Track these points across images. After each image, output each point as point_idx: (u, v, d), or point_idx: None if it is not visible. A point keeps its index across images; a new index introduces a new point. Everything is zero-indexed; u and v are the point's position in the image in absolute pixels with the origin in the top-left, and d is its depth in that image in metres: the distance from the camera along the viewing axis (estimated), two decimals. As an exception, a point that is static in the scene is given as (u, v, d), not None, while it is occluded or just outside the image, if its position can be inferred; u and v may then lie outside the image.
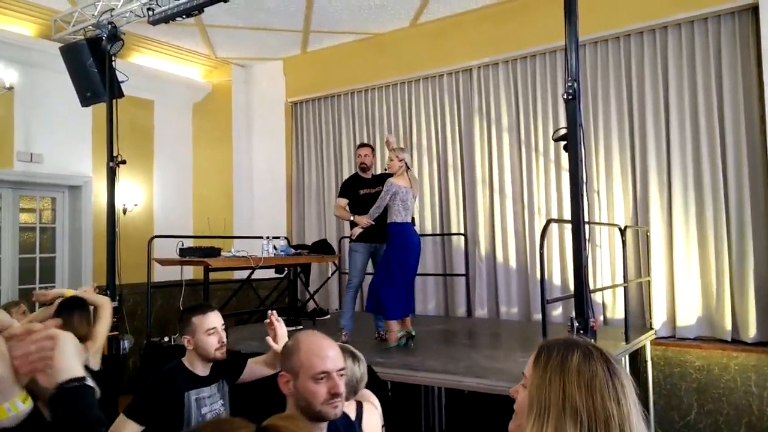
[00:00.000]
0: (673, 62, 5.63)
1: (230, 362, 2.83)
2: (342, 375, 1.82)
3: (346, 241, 7.45)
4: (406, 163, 4.95)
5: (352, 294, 5.28)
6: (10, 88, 5.95)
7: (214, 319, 2.66)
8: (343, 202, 5.38)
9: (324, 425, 1.83)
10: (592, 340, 1.34)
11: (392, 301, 4.74)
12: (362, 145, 5.69)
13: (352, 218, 5.16)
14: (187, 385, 2.61)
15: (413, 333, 4.92)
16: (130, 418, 2.43)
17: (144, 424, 2.43)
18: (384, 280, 4.81)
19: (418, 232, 5.37)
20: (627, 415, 1.12)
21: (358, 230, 5.05)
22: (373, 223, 4.99)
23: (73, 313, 3.24)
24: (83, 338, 3.27)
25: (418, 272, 5.20)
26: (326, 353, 1.80)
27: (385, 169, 5.08)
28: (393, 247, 4.86)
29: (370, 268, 5.42)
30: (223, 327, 2.70)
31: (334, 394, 1.76)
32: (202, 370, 2.69)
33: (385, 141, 5.53)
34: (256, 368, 2.83)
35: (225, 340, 2.69)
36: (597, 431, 1.10)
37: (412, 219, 5.06)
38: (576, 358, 1.18)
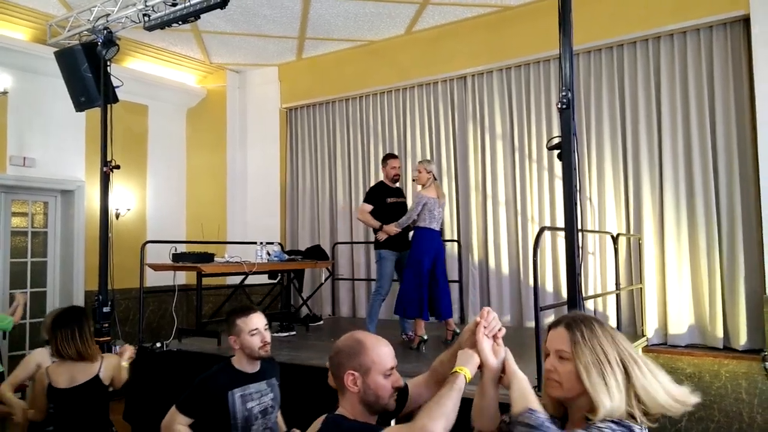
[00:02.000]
0: (665, 72, 5.69)
1: (278, 374, 3.06)
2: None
3: (340, 246, 7.49)
4: (433, 174, 5.23)
5: (380, 301, 5.44)
6: (4, 93, 5.93)
7: (256, 321, 2.85)
8: (369, 207, 5.52)
9: (376, 417, 1.97)
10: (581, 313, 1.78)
11: (409, 300, 5.06)
12: (393, 156, 5.76)
13: (380, 226, 5.34)
14: (232, 384, 2.79)
15: (425, 337, 5.07)
16: (180, 412, 2.74)
17: (192, 417, 2.74)
18: (407, 279, 5.14)
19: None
20: (634, 350, 1.62)
21: (383, 236, 5.28)
22: (399, 230, 5.28)
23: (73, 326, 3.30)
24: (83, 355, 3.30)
25: None
26: (389, 351, 1.96)
27: (413, 180, 5.40)
28: (413, 250, 5.17)
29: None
30: (266, 327, 2.88)
31: (396, 388, 1.95)
32: (250, 367, 2.89)
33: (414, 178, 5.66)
34: None
35: (268, 339, 2.87)
36: (632, 364, 1.57)
37: (441, 229, 5.36)
38: (597, 326, 1.63)
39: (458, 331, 5.14)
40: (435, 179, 5.26)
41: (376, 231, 5.42)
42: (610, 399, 1.51)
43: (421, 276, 5.05)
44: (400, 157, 7.09)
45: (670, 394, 1.58)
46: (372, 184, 7.36)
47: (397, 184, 5.76)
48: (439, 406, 1.70)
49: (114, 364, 3.46)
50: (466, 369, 1.78)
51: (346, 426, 1.88)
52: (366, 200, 5.62)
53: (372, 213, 5.50)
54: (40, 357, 3.71)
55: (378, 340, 1.97)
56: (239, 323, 2.83)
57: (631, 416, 1.54)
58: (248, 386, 2.83)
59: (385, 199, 5.54)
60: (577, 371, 1.58)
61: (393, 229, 5.25)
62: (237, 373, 2.85)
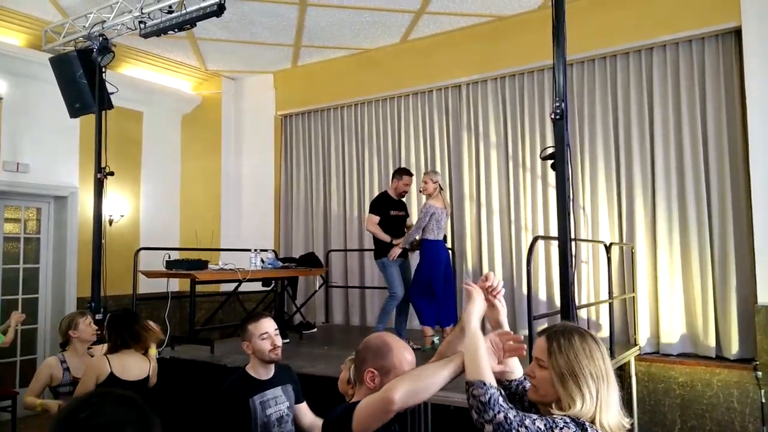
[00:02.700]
0: (658, 83, 5.74)
1: (296, 380, 3.11)
2: None
3: (333, 254, 7.48)
4: (439, 185, 5.39)
5: (393, 305, 5.54)
6: (-1, 98, 5.92)
7: (266, 325, 2.95)
8: (377, 219, 5.63)
9: None
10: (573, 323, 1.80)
11: (426, 309, 5.25)
12: (408, 173, 5.80)
13: (391, 240, 5.49)
14: (251, 391, 2.84)
15: (437, 340, 5.25)
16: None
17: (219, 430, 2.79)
18: (417, 290, 5.31)
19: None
20: (609, 368, 1.69)
21: (396, 251, 5.42)
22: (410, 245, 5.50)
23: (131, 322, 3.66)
24: (140, 342, 3.65)
25: None
26: (410, 356, 2.04)
27: (420, 191, 5.57)
28: (423, 262, 5.32)
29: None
30: (277, 332, 2.97)
31: None
32: (264, 373, 2.95)
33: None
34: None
35: (279, 343, 2.95)
36: (602, 381, 1.65)
37: (444, 237, 5.48)
38: (576, 339, 1.70)
39: (437, 340, 5.28)
40: (441, 189, 5.44)
41: (384, 244, 5.54)
42: (582, 404, 1.62)
43: (431, 287, 5.21)
44: (394, 165, 7.12)
45: (619, 413, 1.68)
46: (366, 191, 7.41)
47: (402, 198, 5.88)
48: (411, 376, 1.82)
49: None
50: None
51: (337, 419, 1.96)
52: (373, 211, 5.70)
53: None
54: (53, 362, 3.86)
55: (404, 347, 2.05)
56: (250, 328, 2.93)
57: (591, 421, 1.63)
58: (265, 393, 2.90)
59: (389, 211, 5.65)
60: (551, 379, 1.67)
61: (402, 243, 5.45)
62: (253, 380, 2.92)
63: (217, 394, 2.88)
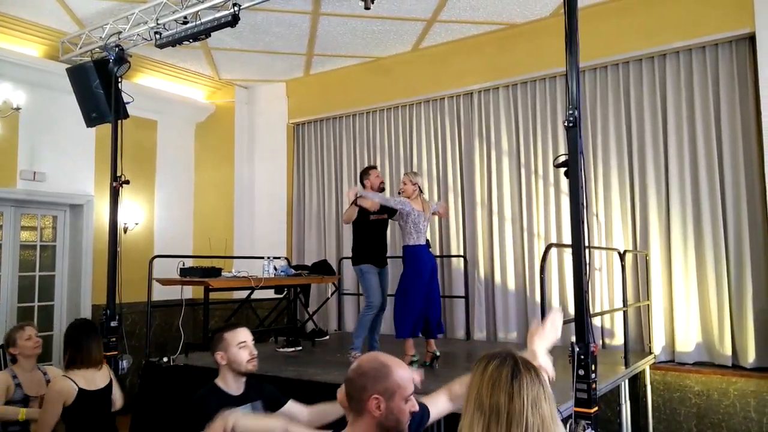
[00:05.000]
0: (671, 89, 5.71)
1: (269, 390, 2.93)
2: None
3: (346, 261, 7.49)
4: (419, 187, 5.08)
5: (370, 316, 5.24)
6: (17, 109, 6.00)
7: (244, 334, 2.84)
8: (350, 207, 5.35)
9: None
10: (518, 353, 1.60)
11: (402, 320, 4.87)
12: (371, 167, 5.65)
13: (359, 194, 5.11)
14: (219, 407, 2.61)
15: (438, 353, 5.00)
16: None
17: None
18: (399, 299, 4.95)
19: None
20: (519, 409, 1.42)
21: (356, 193, 5.08)
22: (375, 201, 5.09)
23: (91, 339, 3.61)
24: (98, 364, 3.61)
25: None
26: (409, 375, 1.95)
27: (399, 193, 5.19)
28: (406, 269, 4.98)
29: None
30: (253, 342, 2.86)
31: (413, 413, 1.93)
32: (235, 388, 2.81)
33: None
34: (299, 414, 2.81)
35: (255, 353, 2.83)
36: (493, 419, 1.43)
37: (427, 241, 5.16)
38: (492, 365, 1.51)
39: (438, 353, 4.98)
40: (421, 192, 5.10)
41: (361, 248, 5.30)
42: None
43: (416, 297, 4.85)
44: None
45: None
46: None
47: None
48: None
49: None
50: None
51: None
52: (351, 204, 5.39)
53: (358, 230, 5.36)
54: (4, 377, 3.73)
55: (400, 364, 1.95)
56: (226, 337, 2.81)
57: None
58: (234, 411, 2.72)
59: (368, 215, 5.31)
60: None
61: (374, 200, 5.08)
62: (223, 395, 2.77)
63: (193, 406, 2.75)
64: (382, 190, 5.48)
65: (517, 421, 1.42)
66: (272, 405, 2.86)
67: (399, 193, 5.17)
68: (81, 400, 3.43)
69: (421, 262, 4.93)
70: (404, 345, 4.92)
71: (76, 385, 3.42)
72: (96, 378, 3.58)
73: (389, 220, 5.48)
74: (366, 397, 1.85)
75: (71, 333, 3.64)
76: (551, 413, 1.46)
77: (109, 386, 3.66)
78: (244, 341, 2.81)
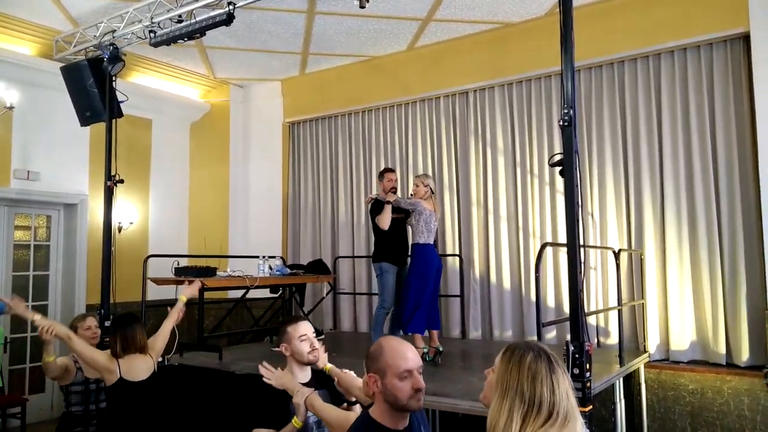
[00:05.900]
0: (666, 88, 5.73)
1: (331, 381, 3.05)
2: (421, 372, 2.07)
3: (341, 261, 7.49)
4: (431, 188, 5.30)
5: (383, 316, 5.44)
6: (11, 108, 5.97)
7: (305, 327, 2.95)
8: (380, 215, 5.49)
9: (407, 416, 2.09)
10: (545, 346, 1.74)
11: (414, 315, 5.06)
12: (388, 170, 5.77)
13: (380, 197, 5.39)
14: (289, 396, 2.77)
15: (441, 348, 5.16)
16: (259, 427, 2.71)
17: (269, 426, 2.70)
18: (407, 296, 5.15)
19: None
20: (558, 400, 1.60)
21: (390, 198, 5.32)
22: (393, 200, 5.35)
23: (135, 327, 3.72)
24: (143, 349, 3.73)
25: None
26: (407, 354, 2.06)
27: (411, 195, 5.43)
28: (415, 266, 5.19)
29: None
30: (314, 335, 2.98)
31: (417, 389, 2.03)
32: (302, 376, 2.92)
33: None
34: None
35: (317, 346, 2.95)
36: (533, 409, 1.59)
37: (435, 242, 5.36)
38: (529, 358, 1.65)
39: (441, 348, 5.17)
40: (433, 193, 5.34)
41: (383, 245, 5.50)
42: (505, 425, 1.59)
43: (424, 293, 5.10)
44: (402, 171, 7.15)
45: None
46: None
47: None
48: None
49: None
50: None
51: (355, 425, 2.07)
52: (375, 213, 5.55)
53: (375, 227, 5.53)
54: (69, 361, 3.92)
55: (399, 344, 2.08)
56: (289, 330, 2.94)
57: None
58: (312, 390, 2.87)
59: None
60: (495, 385, 1.69)
61: (393, 197, 5.36)
62: None
63: (262, 394, 2.83)
64: (393, 193, 5.64)
65: (557, 410, 1.60)
66: (336, 396, 2.97)
67: (411, 196, 5.41)
68: (120, 389, 3.55)
69: (430, 260, 5.17)
70: (414, 340, 5.05)
71: (120, 372, 3.56)
72: (139, 368, 3.67)
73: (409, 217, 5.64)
74: (367, 378, 2.06)
75: (114, 323, 3.82)
76: (575, 401, 1.68)
77: (151, 379, 3.73)
78: (305, 334, 2.93)
